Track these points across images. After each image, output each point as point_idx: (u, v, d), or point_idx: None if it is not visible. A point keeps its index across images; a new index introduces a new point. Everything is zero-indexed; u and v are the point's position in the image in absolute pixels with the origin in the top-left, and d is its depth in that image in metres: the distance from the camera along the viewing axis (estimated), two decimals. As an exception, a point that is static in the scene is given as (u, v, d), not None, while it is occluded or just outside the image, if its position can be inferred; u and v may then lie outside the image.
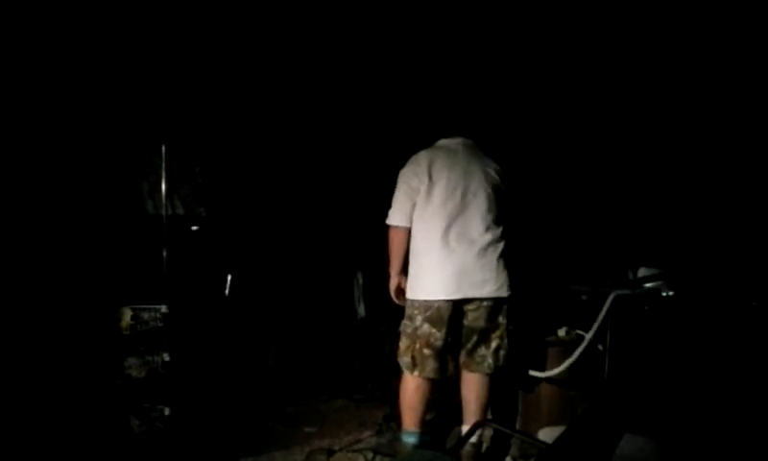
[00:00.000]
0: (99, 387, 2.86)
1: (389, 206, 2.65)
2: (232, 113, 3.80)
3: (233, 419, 3.21)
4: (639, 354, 2.89)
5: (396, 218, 2.60)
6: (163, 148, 2.93)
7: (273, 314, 3.88)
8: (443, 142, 2.68)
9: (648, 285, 2.81)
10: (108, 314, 2.87)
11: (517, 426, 2.85)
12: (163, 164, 2.94)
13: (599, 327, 2.68)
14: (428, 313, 2.51)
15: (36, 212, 2.95)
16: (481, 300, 2.52)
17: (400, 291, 2.66)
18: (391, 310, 2.78)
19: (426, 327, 2.52)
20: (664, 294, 2.78)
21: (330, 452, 2.83)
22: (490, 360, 2.57)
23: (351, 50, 3.87)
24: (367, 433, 3.09)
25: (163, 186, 2.97)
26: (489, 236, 2.53)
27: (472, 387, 2.60)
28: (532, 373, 2.75)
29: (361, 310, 4.11)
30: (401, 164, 2.68)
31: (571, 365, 2.67)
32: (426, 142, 2.72)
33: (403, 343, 2.60)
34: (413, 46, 3.81)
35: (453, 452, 2.57)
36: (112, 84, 3.24)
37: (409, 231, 2.60)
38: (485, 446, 2.69)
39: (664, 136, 3.74)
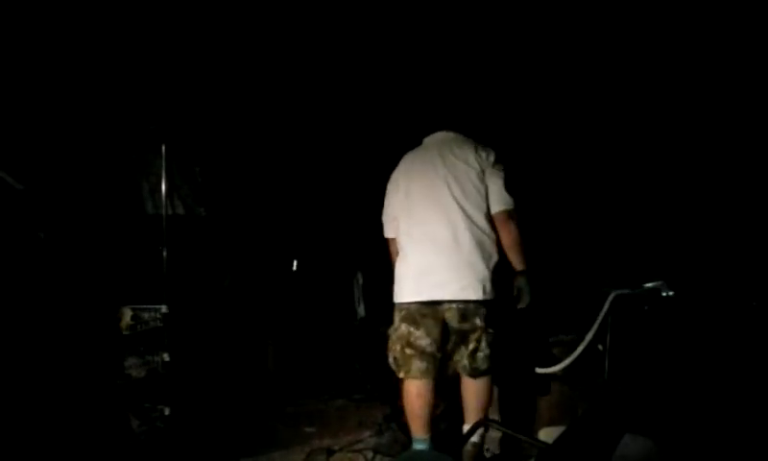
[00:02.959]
0: (99, 387, 2.86)
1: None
2: (232, 114, 3.80)
3: (233, 419, 3.21)
4: (639, 354, 2.89)
5: (385, 230, 2.70)
6: (163, 148, 2.94)
7: (273, 314, 3.88)
8: (426, 140, 2.67)
9: (648, 285, 2.81)
10: (108, 314, 2.87)
11: (517, 426, 2.84)
12: (163, 164, 2.94)
13: (599, 327, 2.68)
14: (403, 313, 2.52)
15: (36, 212, 2.95)
16: (450, 301, 2.44)
17: None
18: (390, 311, 2.78)
19: (404, 326, 2.51)
20: (664, 294, 2.78)
21: (330, 452, 2.83)
22: (465, 362, 2.47)
23: (352, 51, 3.87)
24: (367, 433, 3.09)
25: (163, 186, 2.97)
26: (453, 236, 2.42)
27: (464, 389, 2.56)
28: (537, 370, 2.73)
29: (361, 311, 4.11)
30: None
31: (571, 365, 2.67)
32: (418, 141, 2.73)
33: (389, 345, 2.61)
34: (409, 47, 3.81)
35: (453, 452, 2.57)
36: (113, 85, 3.24)
37: (395, 242, 2.65)
38: (485, 446, 2.69)
39: (665, 137, 3.75)
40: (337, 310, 4.10)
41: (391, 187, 2.67)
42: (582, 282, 2.99)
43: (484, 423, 2.41)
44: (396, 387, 3.49)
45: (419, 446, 2.52)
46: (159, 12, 3.28)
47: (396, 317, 2.56)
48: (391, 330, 2.60)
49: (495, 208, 2.47)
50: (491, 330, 2.45)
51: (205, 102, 3.58)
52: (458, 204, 2.43)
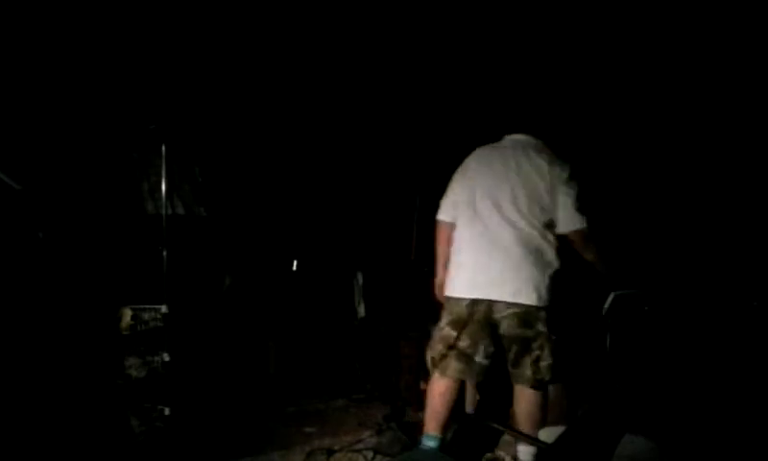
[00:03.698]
0: (99, 387, 2.86)
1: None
2: (232, 113, 3.80)
3: (233, 419, 3.21)
4: (639, 354, 2.89)
5: (439, 212, 2.64)
6: (163, 148, 2.93)
7: (273, 314, 3.88)
8: (506, 138, 2.63)
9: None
10: (108, 314, 2.87)
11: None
12: (163, 164, 2.94)
13: (599, 328, 2.68)
14: (450, 317, 2.49)
15: (36, 212, 2.94)
16: (507, 304, 2.37)
17: (441, 287, 2.62)
18: (390, 312, 2.78)
19: (447, 329, 2.49)
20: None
21: (330, 452, 2.83)
22: (528, 372, 2.40)
23: (349, 51, 3.87)
24: (367, 433, 3.09)
25: (163, 186, 2.96)
26: (513, 239, 2.38)
27: (519, 401, 2.48)
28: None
29: (361, 310, 4.11)
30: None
31: (571, 365, 2.67)
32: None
33: (430, 343, 2.59)
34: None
35: (453, 453, 2.57)
36: (113, 85, 3.24)
37: (450, 227, 2.59)
38: (485, 446, 2.69)
39: (663, 137, 3.75)
40: (337, 310, 4.09)
41: (460, 173, 2.62)
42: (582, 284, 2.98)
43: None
44: (396, 387, 3.49)
45: (429, 443, 2.49)
46: (159, 11, 3.28)
47: (444, 318, 2.52)
48: (435, 329, 2.56)
49: (568, 228, 2.42)
50: (554, 337, 2.39)
51: (205, 102, 3.58)
52: (521, 209, 2.40)
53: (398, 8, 3.60)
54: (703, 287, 3.04)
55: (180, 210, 3.29)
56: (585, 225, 2.41)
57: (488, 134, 2.69)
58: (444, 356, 2.48)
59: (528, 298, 2.35)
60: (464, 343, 2.44)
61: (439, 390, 2.50)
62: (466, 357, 2.45)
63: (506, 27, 3.70)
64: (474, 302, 2.43)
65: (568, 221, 2.41)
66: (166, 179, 2.96)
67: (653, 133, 3.78)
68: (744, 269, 3.19)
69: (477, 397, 2.95)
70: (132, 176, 3.23)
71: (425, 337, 3.47)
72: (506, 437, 2.61)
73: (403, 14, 3.65)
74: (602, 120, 3.85)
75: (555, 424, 2.47)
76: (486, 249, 2.41)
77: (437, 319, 3.09)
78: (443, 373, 2.49)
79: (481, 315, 2.43)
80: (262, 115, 3.98)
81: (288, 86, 3.98)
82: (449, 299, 2.51)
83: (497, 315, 2.41)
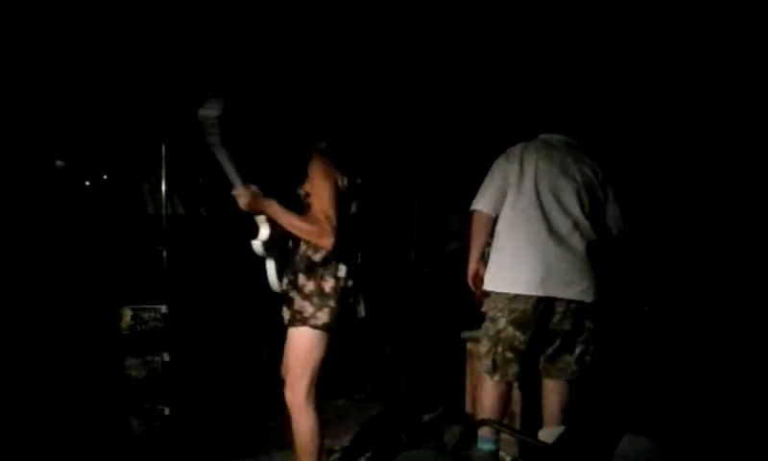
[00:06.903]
0: (99, 387, 2.86)
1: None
2: (232, 113, 3.80)
3: (233, 419, 3.21)
4: (638, 355, 2.89)
5: (478, 203, 2.53)
6: (163, 148, 2.93)
7: (272, 314, 3.88)
8: (542, 136, 2.58)
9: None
10: (108, 314, 2.87)
11: (517, 426, 2.84)
12: (163, 164, 2.94)
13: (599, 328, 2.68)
14: (513, 315, 2.39)
15: (37, 212, 2.95)
16: (568, 301, 2.35)
17: (477, 277, 2.56)
18: (390, 311, 2.76)
19: (511, 329, 2.39)
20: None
21: (330, 452, 2.82)
22: (574, 367, 2.39)
23: (350, 51, 3.87)
24: (367, 433, 3.09)
25: (163, 186, 2.96)
26: (578, 235, 2.37)
27: (555, 396, 2.45)
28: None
29: (361, 310, 4.10)
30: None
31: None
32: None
33: (484, 346, 2.48)
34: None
35: (453, 453, 2.57)
36: (113, 85, 3.24)
37: (490, 219, 2.51)
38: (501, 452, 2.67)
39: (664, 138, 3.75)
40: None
41: (507, 164, 2.50)
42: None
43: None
44: (396, 387, 3.49)
45: (487, 446, 2.44)
46: (159, 11, 3.28)
47: (502, 317, 2.41)
48: (491, 331, 2.46)
49: (618, 229, 2.48)
50: (598, 333, 2.41)
51: (205, 102, 3.57)
52: (584, 209, 2.40)
53: (396, 11, 3.61)
54: (703, 287, 3.05)
55: (181, 210, 3.29)
56: (624, 228, 2.48)
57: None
58: (505, 360, 2.40)
59: (592, 297, 2.36)
60: (523, 346, 2.38)
61: (498, 393, 2.44)
62: (523, 359, 2.40)
63: (506, 29, 3.70)
64: (540, 299, 2.36)
65: (619, 223, 2.47)
66: (166, 179, 2.96)
67: (652, 132, 3.79)
68: (744, 269, 3.19)
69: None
70: (132, 176, 3.23)
71: (425, 337, 3.48)
72: (506, 437, 2.60)
73: (401, 17, 3.65)
74: (601, 121, 3.85)
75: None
76: (553, 247, 2.36)
77: (437, 319, 3.09)
78: (502, 377, 2.41)
79: (542, 314, 2.37)
80: (261, 115, 3.97)
81: (288, 88, 3.98)
82: (513, 296, 2.39)
83: (555, 309, 2.38)
